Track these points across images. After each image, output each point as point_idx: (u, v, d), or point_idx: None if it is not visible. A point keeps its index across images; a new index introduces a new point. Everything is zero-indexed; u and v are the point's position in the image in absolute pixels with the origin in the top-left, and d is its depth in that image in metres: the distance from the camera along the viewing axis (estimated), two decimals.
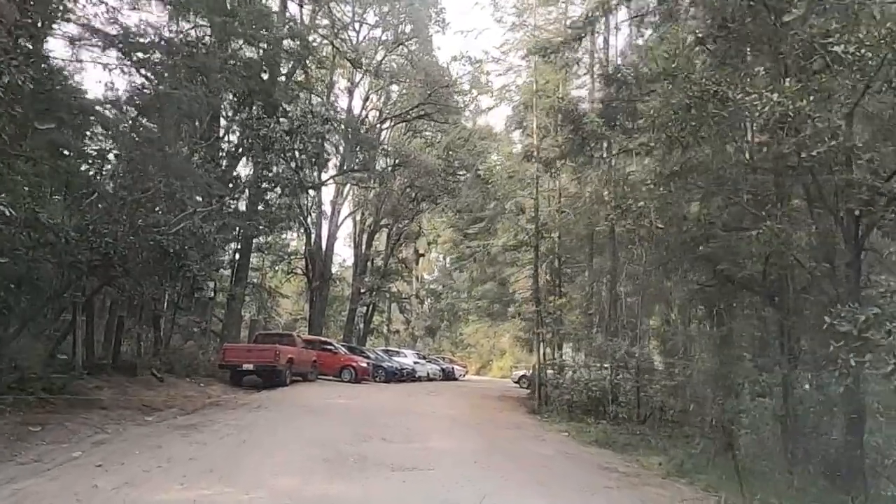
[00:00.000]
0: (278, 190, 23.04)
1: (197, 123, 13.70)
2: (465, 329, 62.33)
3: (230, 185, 14.02)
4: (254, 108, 13.93)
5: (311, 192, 32.58)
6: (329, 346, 25.73)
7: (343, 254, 58.21)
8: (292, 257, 38.61)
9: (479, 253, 19.81)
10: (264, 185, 15.03)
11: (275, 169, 13.46)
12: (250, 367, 18.90)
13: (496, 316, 63.13)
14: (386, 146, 29.33)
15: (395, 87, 36.33)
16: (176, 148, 13.00)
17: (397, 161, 32.16)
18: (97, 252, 11.04)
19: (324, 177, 32.33)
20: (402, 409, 14.42)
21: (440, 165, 32.69)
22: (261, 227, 26.26)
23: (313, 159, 14.17)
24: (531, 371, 30.12)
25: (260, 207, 18.19)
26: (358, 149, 31.38)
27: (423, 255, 56.79)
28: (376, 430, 10.01)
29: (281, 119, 13.83)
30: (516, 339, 61.16)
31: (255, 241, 33.69)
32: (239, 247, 25.16)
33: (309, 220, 34.91)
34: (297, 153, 13.26)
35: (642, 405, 11.28)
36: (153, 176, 13.14)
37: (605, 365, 14.23)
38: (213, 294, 21.51)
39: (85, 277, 12.50)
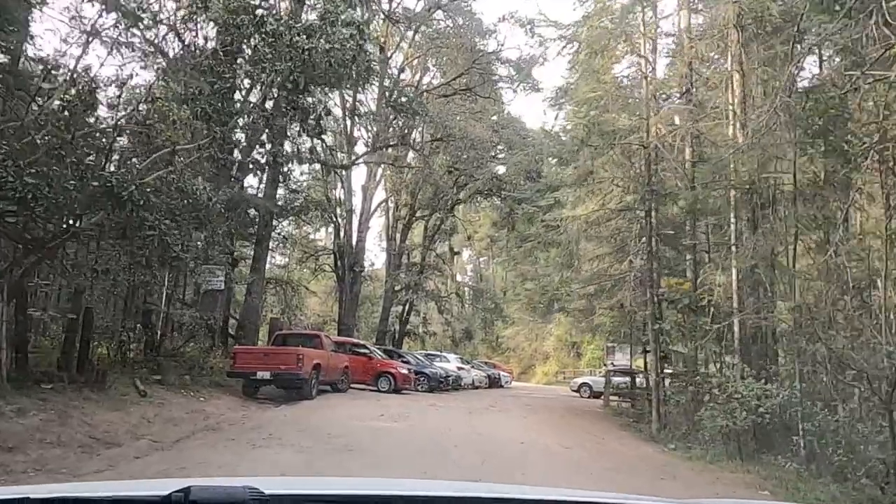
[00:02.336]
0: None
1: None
2: (503, 331, 58.24)
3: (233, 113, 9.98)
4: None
5: (340, 171, 28.81)
6: (363, 350, 21.65)
7: (374, 251, 54.94)
8: (320, 253, 35.29)
9: (561, 226, 15.19)
10: (282, 117, 10.89)
11: (285, 93, 9.28)
12: (267, 375, 14.93)
13: (541, 313, 58.65)
14: (426, 111, 25.10)
15: (431, 60, 32.58)
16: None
17: (439, 135, 28.03)
18: (8, 197, 6.97)
19: (354, 158, 28.52)
20: (477, 438, 10.09)
21: (488, 137, 28.52)
22: (280, 204, 22.42)
23: (347, 65, 10.11)
24: (604, 376, 25.65)
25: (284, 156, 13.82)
26: (394, 120, 27.33)
27: (458, 253, 53.86)
28: None
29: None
30: (561, 341, 56.79)
31: (277, 233, 30.23)
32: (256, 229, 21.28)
33: (338, 210, 31.33)
34: (322, 61, 9.21)
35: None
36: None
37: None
38: (222, 285, 17.45)
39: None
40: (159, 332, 15.01)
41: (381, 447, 8.72)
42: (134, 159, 8.66)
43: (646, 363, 16.55)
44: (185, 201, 9.82)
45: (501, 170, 34.04)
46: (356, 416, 12.24)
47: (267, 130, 11.20)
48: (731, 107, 12.86)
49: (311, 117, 11.84)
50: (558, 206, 18.16)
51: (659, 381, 12.41)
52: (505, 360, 56.01)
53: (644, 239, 13.21)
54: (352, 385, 18.86)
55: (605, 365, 42.32)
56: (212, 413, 11.77)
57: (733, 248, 13.80)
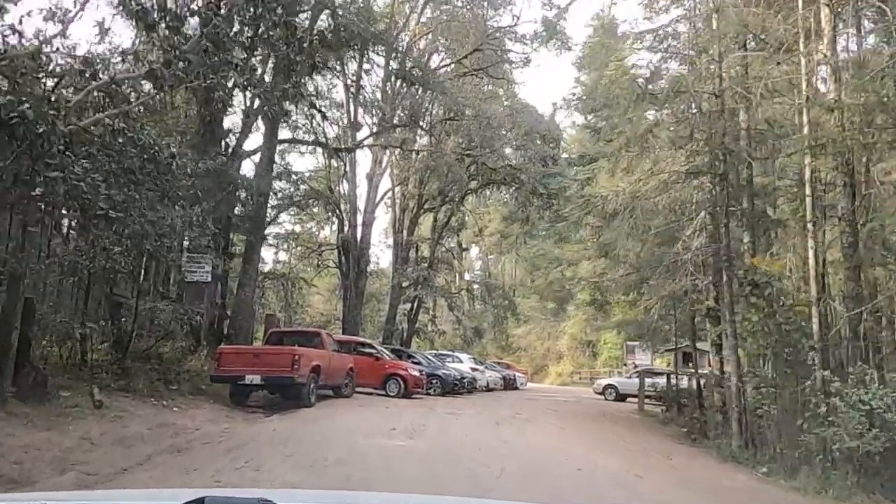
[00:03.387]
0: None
1: None
2: (514, 330, 56.18)
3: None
4: None
5: (344, 156, 26.63)
6: (369, 350, 19.41)
7: (380, 247, 53.05)
8: (324, 248, 33.25)
9: (601, 204, 12.67)
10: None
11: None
12: (257, 379, 12.76)
13: (554, 312, 56.43)
14: (437, 83, 22.86)
15: (441, 40, 30.46)
16: None
17: (451, 114, 25.80)
18: None
19: (358, 141, 26.35)
20: (518, 462, 7.80)
21: (502, 117, 26.36)
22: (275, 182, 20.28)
23: None
24: (632, 377, 23.40)
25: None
26: (402, 99, 25.13)
27: (466, 249, 52.28)
28: None
29: None
30: (575, 340, 54.36)
31: (279, 224, 28.12)
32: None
33: (342, 204, 29.24)
34: None
35: None
36: None
37: None
38: (208, 277, 15.25)
39: None
40: (132, 330, 12.78)
41: (394, 479, 6.45)
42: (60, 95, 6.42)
43: (706, 362, 14.17)
44: (142, 158, 7.59)
45: (514, 161, 32.01)
46: (362, 430, 9.99)
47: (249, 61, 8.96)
48: (817, 52, 10.50)
49: (305, 45, 9.50)
50: (599, 177, 15.74)
51: (741, 387, 10.06)
52: (516, 359, 53.92)
53: (712, 211, 10.85)
54: (357, 389, 16.64)
55: (625, 364, 40.00)
56: (184, 428, 9.52)
57: (809, 227, 11.54)
